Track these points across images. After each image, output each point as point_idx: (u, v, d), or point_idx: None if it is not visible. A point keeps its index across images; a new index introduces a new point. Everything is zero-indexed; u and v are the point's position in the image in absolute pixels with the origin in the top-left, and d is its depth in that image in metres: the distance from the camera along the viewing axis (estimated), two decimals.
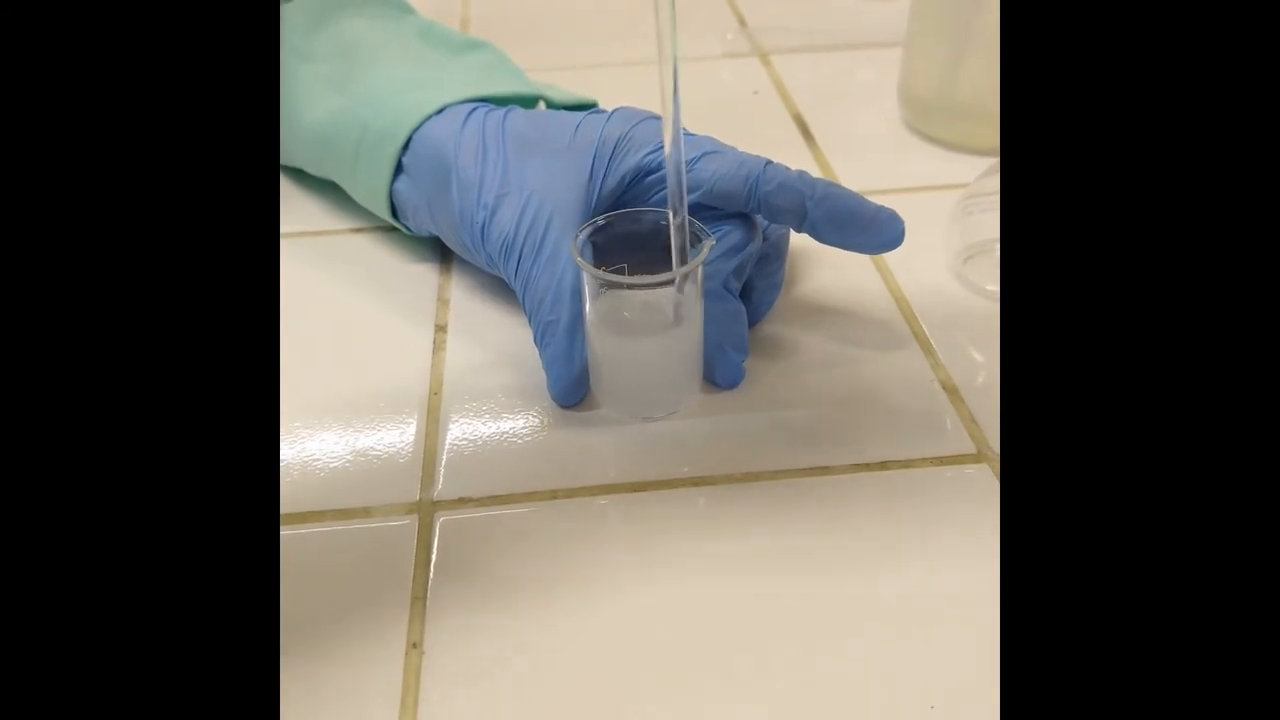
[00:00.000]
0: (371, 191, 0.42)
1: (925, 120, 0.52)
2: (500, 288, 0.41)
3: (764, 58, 0.60)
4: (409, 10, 0.49)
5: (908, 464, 0.34)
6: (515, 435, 0.35)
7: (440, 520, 0.32)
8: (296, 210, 0.47)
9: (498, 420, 0.36)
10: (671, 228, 0.32)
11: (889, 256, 0.43)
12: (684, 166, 0.32)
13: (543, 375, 0.36)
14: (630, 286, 0.34)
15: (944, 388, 0.37)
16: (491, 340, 0.39)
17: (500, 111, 0.40)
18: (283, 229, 0.46)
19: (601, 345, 0.34)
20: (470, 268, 0.42)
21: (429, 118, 0.40)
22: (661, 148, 0.37)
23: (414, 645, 0.28)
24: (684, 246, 0.33)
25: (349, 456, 0.34)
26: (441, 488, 0.33)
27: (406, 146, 0.40)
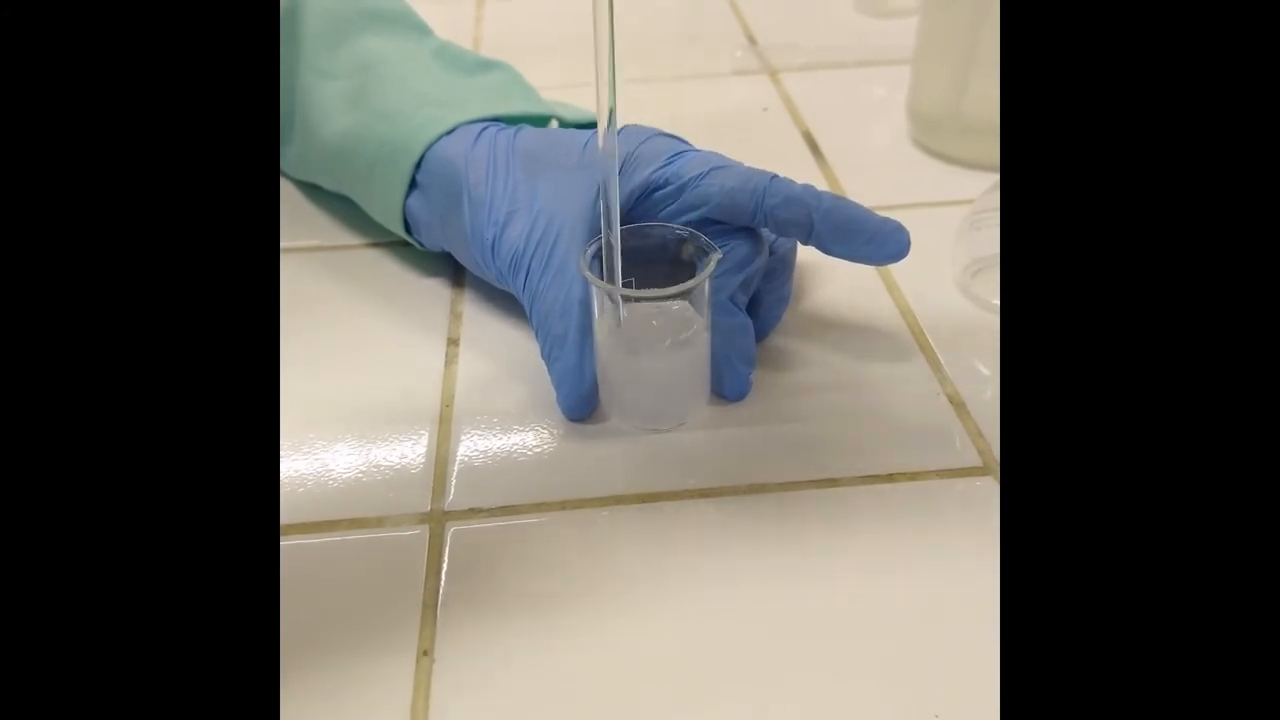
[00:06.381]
0: (386, 207, 0.43)
1: (933, 136, 0.52)
2: (512, 302, 0.41)
3: (773, 75, 0.61)
4: (426, 30, 0.50)
5: (914, 476, 0.34)
6: (525, 447, 0.36)
7: (451, 530, 0.33)
8: (312, 225, 0.48)
9: (508, 432, 0.36)
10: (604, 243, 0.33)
11: (896, 271, 0.43)
12: (615, 185, 0.33)
13: (552, 387, 0.36)
14: (638, 300, 0.34)
15: (950, 401, 0.37)
16: (503, 353, 0.40)
17: (511, 130, 0.41)
18: (299, 243, 0.46)
19: (610, 358, 0.35)
20: (482, 283, 0.43)
21: (442, 136, 0.41)
22: (669, 164, 0.37)
23: (425, 652, 0.29)
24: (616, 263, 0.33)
25: (362, 467, 0.35)
26: (453, 498, 0.34)
27: (420, 164, 0.41)
